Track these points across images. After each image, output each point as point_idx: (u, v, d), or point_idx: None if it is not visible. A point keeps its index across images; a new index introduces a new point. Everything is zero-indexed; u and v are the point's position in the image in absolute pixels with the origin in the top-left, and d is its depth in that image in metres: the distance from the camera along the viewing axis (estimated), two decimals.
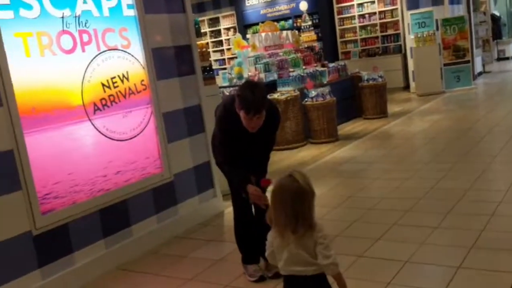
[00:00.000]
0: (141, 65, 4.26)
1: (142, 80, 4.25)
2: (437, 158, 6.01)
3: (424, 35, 11.00)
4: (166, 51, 4.54)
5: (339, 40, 13.86)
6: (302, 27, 11.98)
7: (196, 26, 5.11)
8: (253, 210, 3.46)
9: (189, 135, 4.70)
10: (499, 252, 3.36)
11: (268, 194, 2.96)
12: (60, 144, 3.61)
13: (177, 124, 4.58)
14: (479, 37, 13.27)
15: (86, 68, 3.80)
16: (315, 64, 9.57)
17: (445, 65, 11.15)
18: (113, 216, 3.98)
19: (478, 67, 13.14)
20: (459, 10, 11.79)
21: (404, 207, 4.39)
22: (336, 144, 7.57)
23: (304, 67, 9.18)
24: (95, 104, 3.85)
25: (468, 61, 11.14)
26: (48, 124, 3.53)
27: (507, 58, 16.53)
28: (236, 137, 3.23)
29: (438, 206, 4.31)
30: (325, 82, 8.74)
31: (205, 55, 5.53)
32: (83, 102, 3.76)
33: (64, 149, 3.63)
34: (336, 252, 3.22)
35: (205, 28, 15.43)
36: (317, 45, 11.36)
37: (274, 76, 8.31)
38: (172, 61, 4.59)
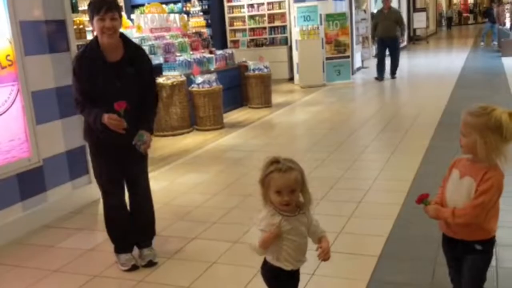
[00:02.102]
0: (7, 39, 3.87)
1: (8, 55, 3.87)
2: (315, 147, 6.27)
3: (309, 29, 11.39)
4: (37, 25, 4.17)
5: (228, 28, 13.89)
6: (191, 12, 11.82)
7: (73, 1, 4.76)
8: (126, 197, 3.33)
9: (61, 117, 4.39)
10: (365, 237, 3.58)
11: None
12: None
13: (48, 104, 4.25)
14: (359, 34, 14.07)
15: None
16: (202, 50, 9.49)
17: (327, 59, 11.67)
18: None
19: (357, 62, 13.94)
20: (342, 7, 12.39)
21: None
22: (221, 132, 7.59)
23: (191, 52, 9.06)
24: None
25: (348, 56, 11.78)
26: None
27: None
28: (98, 78, 3.05)
29: (312, 193, 4.47)
30: (212, 69, 8.71)
31: (82, 33, 5.19)
32: None
33: None
34: (213, 238, 3.22)
35: (85, 6, 14.57)
36: (205, 31, 11.28)
37: (160, 59, 8.09)
38: (43, 36, 4.24)
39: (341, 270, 3.09)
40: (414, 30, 23.95)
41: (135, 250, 3.41)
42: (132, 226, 3.41)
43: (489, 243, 2.12)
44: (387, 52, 11.83)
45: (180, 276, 3.16)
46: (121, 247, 3.37)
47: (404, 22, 12.74)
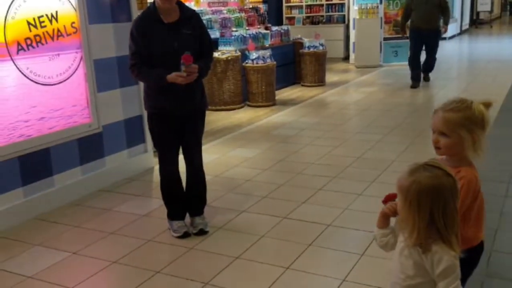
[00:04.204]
0: (73, 6, 4.00)
1: (73, 23, 4.00)
2: (367, 129, 6.17)
3: (368, 7, 11.11)
4: None
5: (284, 4, 13.75)
6: None
7: None
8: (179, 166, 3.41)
9: (121, 86, 4.51)
10: None
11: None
12: None
13: (108, 73, 4.38)
14: None
15: (11, 3, 3.52)
16: (258, 26, 9.46)
17: (384, 39, 11.38)
18: (34, 164, 3.79)
19: None
20: None
21: (330, 174, 4.49)
22: (273, 109, 7.59)
23: (247, 27, 9.05)
24: (18, 43, 3.58)
25: (407, 37, 11.41)
26: None
27: (444, 38, 17.11)
28: (156, 39, 3.13)
29: (364, 174, 4.44)
30: (267, 45, 8.68)
31: (144, 3, 5.28)
32: (5, 40, 3.49)
33: None
34: (262, 212, 3.24)
35: None
36: (262, 7, 11.20)
37: (216, 34, 8.13)
38: (107, 5, 4.34)
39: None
40: (478, 13, 22.89)
41: (187, 218, 3.51)
42: (185, 194, 3.51)
43: (471, 252, 1.84)
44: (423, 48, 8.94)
45: (229, 246, 3.22)
46: (174, 214, 3.47)
47: (449, 7, 8.89)
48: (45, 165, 3.89)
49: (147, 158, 4.86)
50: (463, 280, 1.90)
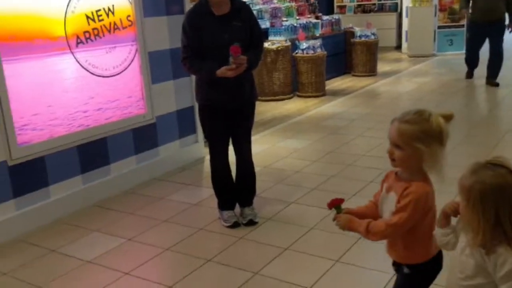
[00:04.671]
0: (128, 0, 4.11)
1: (128, 16, 4.11)
2: None
3: None
4: None
5: None
6: None
7: None
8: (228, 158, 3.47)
9: (174, 78, 4.61)
10: None
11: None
12: (41, 75, 3.52)
13: (162, 65, 4.48)
14: None
15: None
16: (308, 16, 9.39)
17: (439, 27, 11.02)
18: (92, 153, 3.95)
19: None
20: None
21: (382, 166, 4.42)
22: (323, 99, 7.54)
23: (297, 17, 9.00)
24: (78, 37, 3.73)
25: (462, 26, 11.01)
26: (28, 53, 3.43)
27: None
28: (207, 32, 3.18)
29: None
30: (317, 35, 8.60)
31: None
32: (65, 34, 3.64)
33: (44, 80, 3.55)
34: (312, 204, 3.23)
35: None
36: None
37: (266, 24, 8.13)
38: None
39: None
40: None
41: (237, 208, 3.57)
42: (235, 185, 3.56)
43: (419, 268, 1.81)
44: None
45: (278, 237, 3.25)
46: (224, 204, 3.54)
47: None
48: (102, 154, 4.04)
49: (198, 148, 4.95)
50: None
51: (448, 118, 1.71)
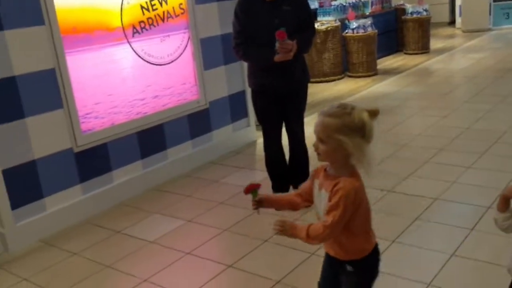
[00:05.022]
0: None
1: (181, 4, 4.20)
2: (477, 97, 5.85)
3: None
4: None
5: None
6: None
7: None
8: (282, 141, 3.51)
9: (225, 63, 4.69)
10: None
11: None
12: (100, 65, 3.67)
13: (214, 51, 4.56)
14: None
15: None
16: None
17: (494, 0, 10.56)
18: (150, 139, 4.10)
19: None
20: None
21: (438, 146, 4.36)
22: (374, 79, 7.43)
23: None
24: (134, 27, 3.86)
25: None
26: (88, 45, 3.58)
27: None
28: (258, 18, 3.21)
29: (473, 146, 4.26)
30: (367, 14, 8.45)
31: None
32: (122, 24, 3.77)
33: (104, 70, 3.70)
34: (366, 186, 3.19)
35: None
36: None
37: (315, 4, 8.05)
38: None
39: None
40: None
41: (291, 190, 3.61)
42: (288, 167, 3.61)
43: (362, 264, 1.80)
44: None
45: None
46: (278, 187, 3.60)
47: None
48: (159, 139, 4.19)
49: (250, 132, 5.03)
50: None
51: (373, 113, 1.70)
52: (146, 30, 3.95)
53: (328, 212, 1.66)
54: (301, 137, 3.58)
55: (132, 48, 3.87)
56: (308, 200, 1.87)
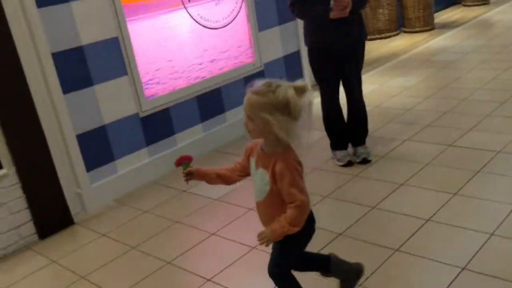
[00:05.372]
0: None
1: None
2: None
3: None
4: None
5: None
6: None
7: None
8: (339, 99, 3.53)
9: (279, 24, 4.70)
10: None
11: None
12: (159, 31, 3.79)
13: (268, 11, 4.58)
14: None
15: None
16: None
17: None
18: (209, 102, 4.23)
19: None
20: None
21: (499, 99, 4.24)
22: (431, 33, 7.20)
23: None
24: None
25: None
26: (147, 12, 3.70)
27: None
28: None
29: None
30: None
31: None
32: None
33: (163, 36, 3.82)
34: (427, 141, 3.20)
35: None
36: None
37: None
38: None
39: None
40: None
41: (350, 148, 3.66)
42: (346, 125, 3.64)
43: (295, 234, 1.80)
44: None
45: (393, 174, 3.31)
46: (337, 144, 3.64)
47: None
48: (218, 103, 4.30)
49: None
50: (285, 260, 1.92)
51: (300, 90, 1.70)
52: None
53: (288, 194, 1.73)
54: (360, 94, 3.59)
55: (188, 13, 3.96)
56: (240, 176, 1.98)
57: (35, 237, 3.21)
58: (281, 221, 1.75)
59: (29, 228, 3.18)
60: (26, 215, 3.16)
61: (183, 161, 1.97)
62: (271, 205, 1.81)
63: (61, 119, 3.28)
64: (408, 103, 4.56)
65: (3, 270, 2.98)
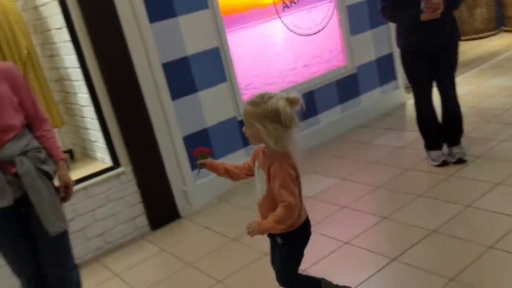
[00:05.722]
0: None
1: None
2: None
3: None
4: None
5: None
6: None
7: None
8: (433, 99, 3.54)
9: (371, 27, 4.78)
10: None
11: None
12: (256, 40, 4.05)
13: (360, 16, 4.68)
14: None
15: None
16: None
17: None
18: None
19: None
20: None
21: None
22: None
23: None
24: (283, 2, 4.16)
25: None
26: (244, 23, 3.97)
27: None
28: None
29: None
30: None
31: None
32: (273, 1, 4.09)
33: (259, 45, 4.07)
34: None
35: None
36: None
37: None
38: None
39: None
40: None
41: (445, 148, 3.65)
42: (441, 126, 3.64)
43: (291, 236, 1.99)
44: None
45: (489, 173, 3.27)
46: (431, 144, 3.65)
47: None
48: (311, 106, 4.47)
49: (398, 94, 5.07)
50: (289, 263, 2.07)
51: (292, 101, 1.85)
52: (294, 3, 4.22)
53: (278, 195, 1.87)
54: (454, 95, 3.57)
55: (283, 22, 4.18)
56: (247, 174, 2.13)
57: (148, 228, 3.59)
58: (269, 217, 1.91)
59: (143, 220, 3.56)
60: (140, 208, 3.54)
61: (201, 152, 2.17)
62: (270, 205, 1.95)
63: (170, 123, 3.64)
64: (506, 102, 4.43)
65: (122, 255, 3.37)
